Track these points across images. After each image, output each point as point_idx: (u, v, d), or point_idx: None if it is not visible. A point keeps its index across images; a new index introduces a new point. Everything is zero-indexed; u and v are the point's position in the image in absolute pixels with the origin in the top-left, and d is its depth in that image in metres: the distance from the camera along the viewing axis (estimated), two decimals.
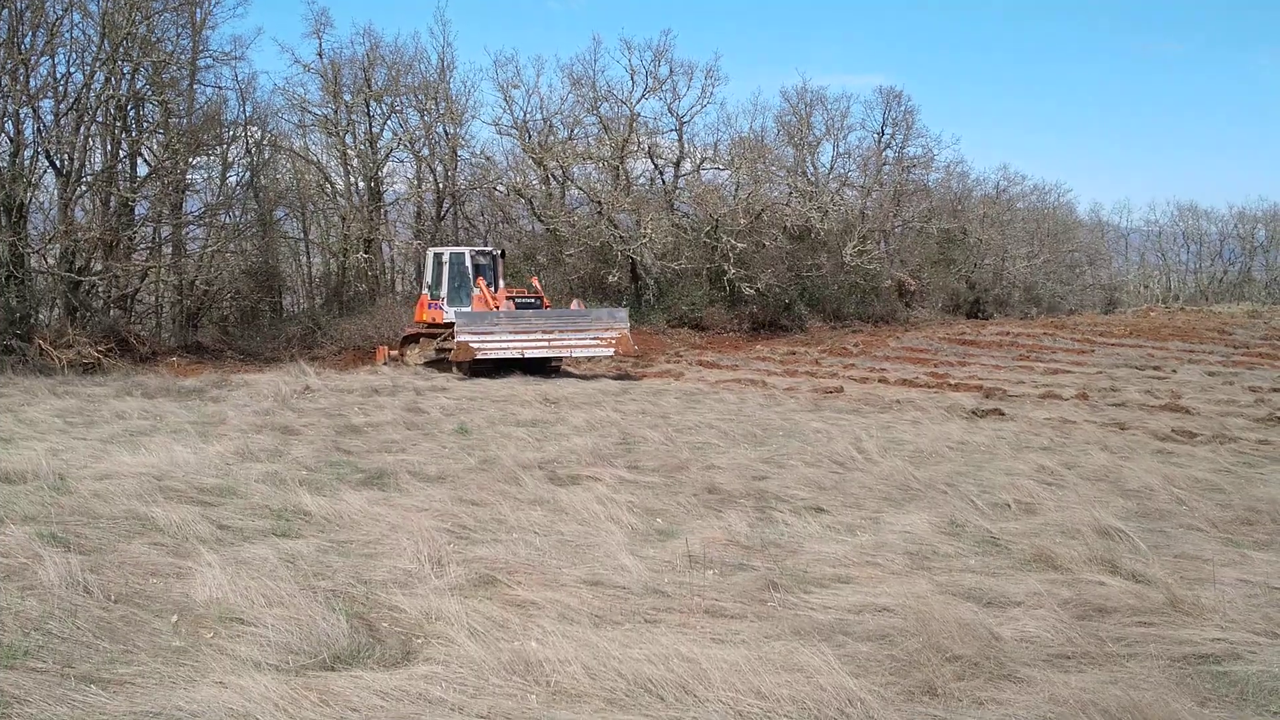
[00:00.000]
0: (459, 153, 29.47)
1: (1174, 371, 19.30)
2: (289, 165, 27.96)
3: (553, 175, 31.06)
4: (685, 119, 32.23)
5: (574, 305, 19.52)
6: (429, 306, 19.60)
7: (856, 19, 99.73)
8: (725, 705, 3.45)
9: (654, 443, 10.05)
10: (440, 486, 7.35)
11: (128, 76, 20.55)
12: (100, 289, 20.52)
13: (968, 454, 9.88)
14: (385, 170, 28.85)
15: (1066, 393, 15.96)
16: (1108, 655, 4.10)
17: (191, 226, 23.51)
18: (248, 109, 25.57)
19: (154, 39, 20.78)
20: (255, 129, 25.64)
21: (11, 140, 18.69)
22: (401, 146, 28.87)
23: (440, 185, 29.38)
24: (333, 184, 28.83)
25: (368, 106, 28.11)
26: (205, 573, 4.72)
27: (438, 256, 19.78)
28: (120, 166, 21.28)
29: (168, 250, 23.23)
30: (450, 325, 18.15)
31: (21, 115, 18.78)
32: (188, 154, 22.08)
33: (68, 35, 19.53)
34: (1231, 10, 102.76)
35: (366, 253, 26.83)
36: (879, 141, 38.27)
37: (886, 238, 37.92)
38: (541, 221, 30.51)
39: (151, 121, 22.13)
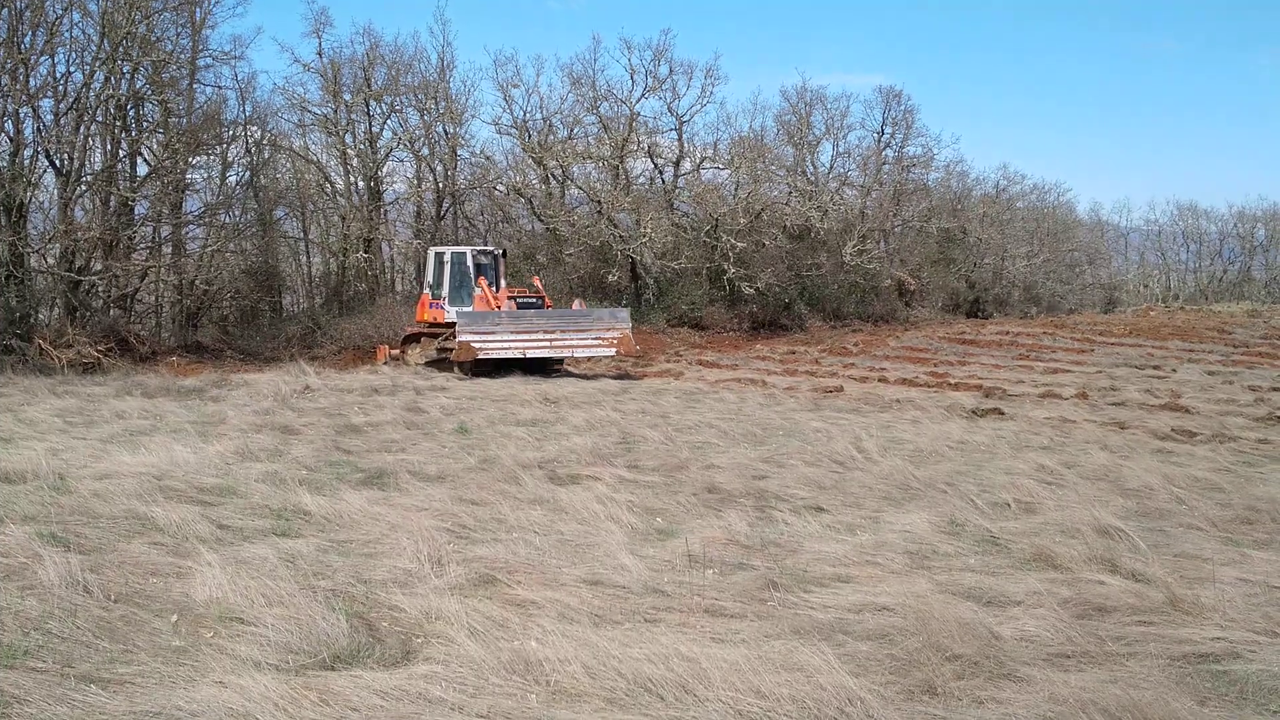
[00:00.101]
0: (459, 152, 29.50)
1: (1174, 371, 19.30)
2: (289, 165, 27.97)
3: (552, 175, 31.06)
4: (685, 118, 32.28)
5: (576, 305, 19.52)
6: (430, 306, 19.58)
7: (856, 18, 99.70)
8: (725, 704, 3.45)
9: (654, 442, 10.05)
10: (440, 486, 7.35)
11: (127, 76, 20.55)
12: (100, 289, 20.52)
13: (967, 453, 9.88)
14: (385, 170, 28.89)
15: (1066, 392, 15.96)
16: (1107, 654, 4.10)
17: (191, 226, 23.51)
18: (247, 108, 25.63)
19: (154, 38, 20.78)
20: (255, 128, 25.68)
21: (11, 140, 18.70)
22: (401, 146, 28.89)
23: (440, 185, 29.38)
24: (332, 183, 28.85)
25: (367, 106, 28.11)
26: (205, 572, 4.72)
27: (439, 256, 19.76)
28: (120, 166, 21.28)
29: (167, 250, 23.22)
30: (451, 325, 18.14)
31: (21, 115, 18.80)
32: (187, 153, 22.08)
33: (67, 35, 19.56)
34: (1231, 10, 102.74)
35: (366, 252, 26.83)
36: (879, 141, 38.30)
37: (886, 237, 37.92)
38: (541, 221, 30.50)
39: (151, 121, 22.13)
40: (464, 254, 19.53)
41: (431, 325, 19.44)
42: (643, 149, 31.94)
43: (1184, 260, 53.83)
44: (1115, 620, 4.54)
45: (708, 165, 32.80)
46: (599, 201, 29.57)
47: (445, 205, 29.71)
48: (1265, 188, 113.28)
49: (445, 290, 19.20)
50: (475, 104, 48.14)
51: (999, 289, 41.70)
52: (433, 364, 18.64)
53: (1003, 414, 13.24)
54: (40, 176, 19.65)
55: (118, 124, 20.83)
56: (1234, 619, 4.49)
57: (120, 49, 19.46)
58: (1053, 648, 4.16)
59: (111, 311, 20.73)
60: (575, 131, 31.53)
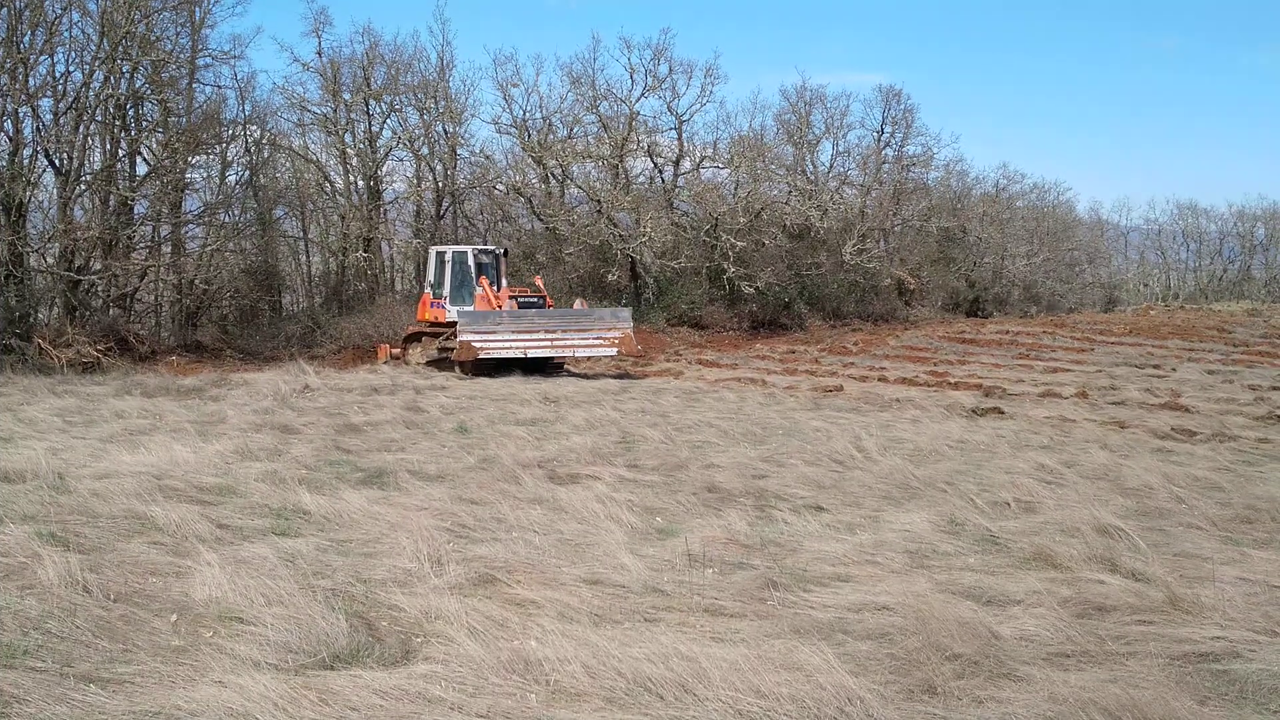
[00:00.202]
0: (458, 151, 29.48)
1: (1173, 370, 19.30)
2: (288, 164, 27.95)
3: (552, 174, 31.05)
4: (685, 117, 32.25)
5: (577, 305, 19.50)
6: (431, 305, 19.56)
7: (856, 18, 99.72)
8: (725, 704, 3.45)
9: (654, 441, 10.04)
10: (440, 485, 7.35)
11: (127, 75, 20.53)
12: (99, 288, 20.51)
13: (967, 452, 9.88)
14: (384, 169, 28.86)
15: (1066, 391, 15.96)
16: (1107, 654, 4.10)
17: (191, 225, 23.49)
18: (247, 108, 25.59)
19: (153, 38, 20.77)
20: (254, 128, 25.64)
21: (10, 139, 18.68)
22: (401, 145, 28.87)
23: (439, 184, 29.37)
24: (332, 183, 28.82)
25: (367, 105, 28.09)
26: (204, 572, 4.72)
27: (440, 255, 19.74)
28: (119, 165, 21.26)
29: (167, 249, 23.20)
30: (453, 324, 18.13)
31: (20, 114, 18.78)
32: (187, 153, 22.07)
33: (67, 34, 19.54)
34: (1232, 8, 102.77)
35: (366, 251, 26.81)
36: (878, 140, 38.29)
37: (886, 236, 37.91)
38: (541, 220, 30.49)
39: (151, 120, 22.11)
40: (465, 253, 19.51)
41: (433, 325, 19.42)
42: (642, 148, 31.93)
43: (1184, 259, 53.89)
44: (1115, 619, 4.54)
45: (707, 164, 32.82)
46: (599, 201, 29.56)
47: (445, 204, 29.70)
48: (1265, 186, 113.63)
49: (446, 289, 19.18)
50: (475, 103, 48.22)
51: (999, 288, 41.70)
52: (433, 363, 18.63)
53: (1002, 413, 13.24)
54: (39, 176, 19.65)
55: (117, 123, 20.82)
56: (1234, 618, 4.48)
57: (120, 48, 19.45)
58: (1052, 647, 4.16)
59: (111, 311, 20.72)
60: (575, 131, 31.55)
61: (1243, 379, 17.63)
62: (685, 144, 32.62)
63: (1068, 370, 19.44)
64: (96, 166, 20.47)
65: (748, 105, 51.16)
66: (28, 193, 18.72)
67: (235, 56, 27.38)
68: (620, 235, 28.86)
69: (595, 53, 37.42)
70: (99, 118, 20.22)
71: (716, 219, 29.48)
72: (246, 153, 25.47)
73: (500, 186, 30.81)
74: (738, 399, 14.79)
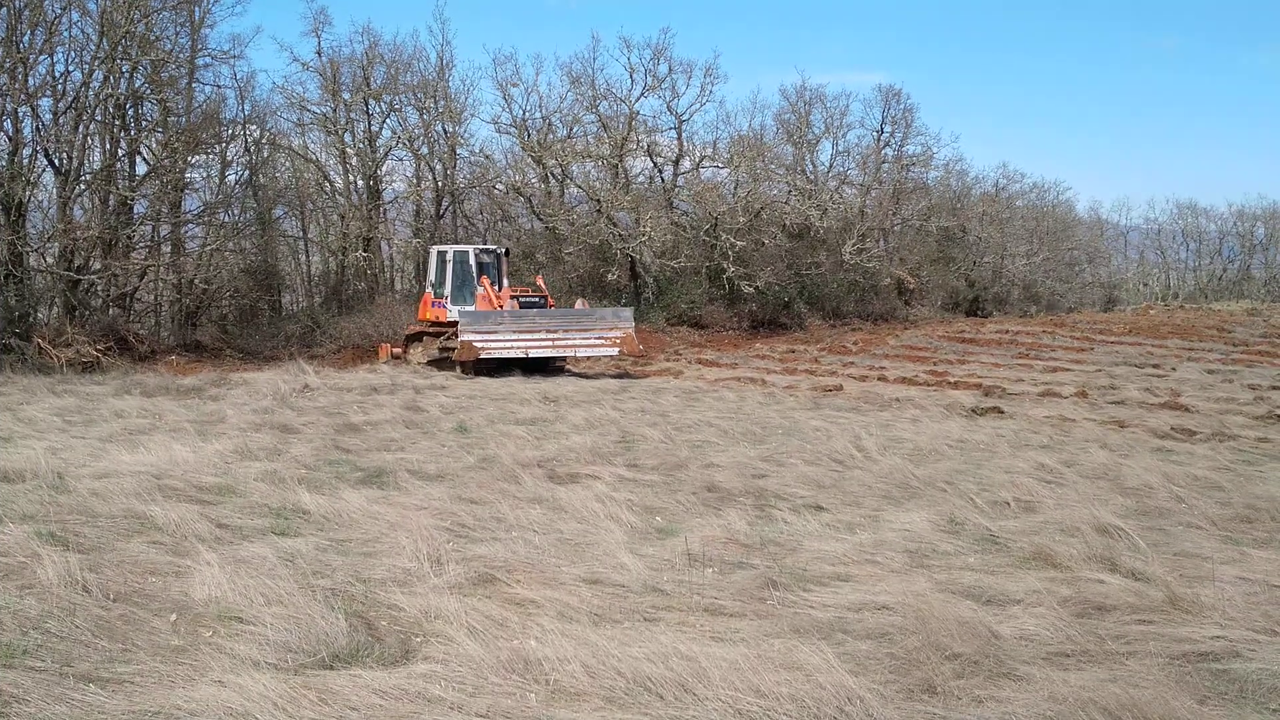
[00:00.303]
0: (458, 151, 29.48)
1: (1173, 369, 19.30)
2: (288, 164, 27.94)
3: (552, 174, 31.04)
4: (684, 117, 32.25)
5: (579, 305, 19.49)
6: (432, 305, 19.54)
7: (856, 17, 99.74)
8: (724, 703, 3.45)
9: (653, 441, 10.04)
10: (439, 485, 7.35)
11: (126, 75, 20.53)
12: (99, 288, 20.51)
13: (967, 452, 9.88)
14: (384, 169, 28.87)
15: (1066, 391, 15.96)
16: (1107, 653, 4.10)
17: (190, 225, 23.49)
18: (246, 107, 25.60)
19: (152, 37, 20.76)
20: (254, 127, 25.64)
21: (10, 139, 18.68)
22: (400, 145, 28.87)
23: (439, 184, 29.37)
24: (332, 182, 28.82)
25: (366, 105, 28.09)
26: (204, 571, 4.72)
27: (441, 255, 19.72)
28: (119, 165, 21.27)
29: (166, 249, 23.20)
30: (454, 324, 18.12)
31: (20, 114, 18.79)
32: (186, 152, 22.06)
33: (66, 34, 19.54)
34: (1232, 8, 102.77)
35: (365, 251, 26.81)
36: (878, 139, 38.27)
37: (886, 236, 37.90)
38: (540, 220, 30.49)
39: (150, 120, 22.11)
40: (466, 253, 19.50)
41: (434, 324, 19.41)
42: (642, 148, 31.91)
43: (1183, 259, 53.87)
44: (1115, 619, 4.54)
45: (707, 164, 32.81)
46: (598, 200, 29.55)
47: (444, 204, 29.70)
48: (1265, 186, 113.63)
49: (448, 289, 19.17)
50: (474, 103, 48.28)
51: (998, 287, 41.69)
52: (434, 363, 18.63)
53: (1002, 413, 13.24)
54: (39, 175, 19.65)
55: (116, 123, 20.81)
56: (1234, 617, 4.48)
57: (119, 48, 19.45)
58: (1052, 646, 4.15)
59: (110, 310, 20.72)
60: (574, 130, 31.54)
61: (1242, 378, 17.63)
62: (685, 144, 32.66)
63: (1067, 370, 19.44)
64: (96, 166, 20.47)
65: (747, 105, 51.30)
66: (27, 192, 18.72)
67: (235, 56, 27.46)
68: (620, 235, 28.86)
69: (595, 52, 37.54)
70: (98, 117, 20.22)
71: (716, 218, 29.48)
72: (246, 152, 25.48)
73: (500, 186, 30.81)
74: (737, 398, 14.78)
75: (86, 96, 19.68)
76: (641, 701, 3.50)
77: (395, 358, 19.94)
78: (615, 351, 18.33)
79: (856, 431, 10.74)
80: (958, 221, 39.30)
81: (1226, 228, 52.28)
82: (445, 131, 29.06)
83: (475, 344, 17.26)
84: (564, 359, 19.22)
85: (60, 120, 19.28)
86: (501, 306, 18.17)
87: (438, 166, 29.40)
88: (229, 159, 25.00)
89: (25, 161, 18.88)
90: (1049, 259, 43.72)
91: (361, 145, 28.08)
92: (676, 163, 32.65)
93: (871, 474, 8.32)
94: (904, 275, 36.48)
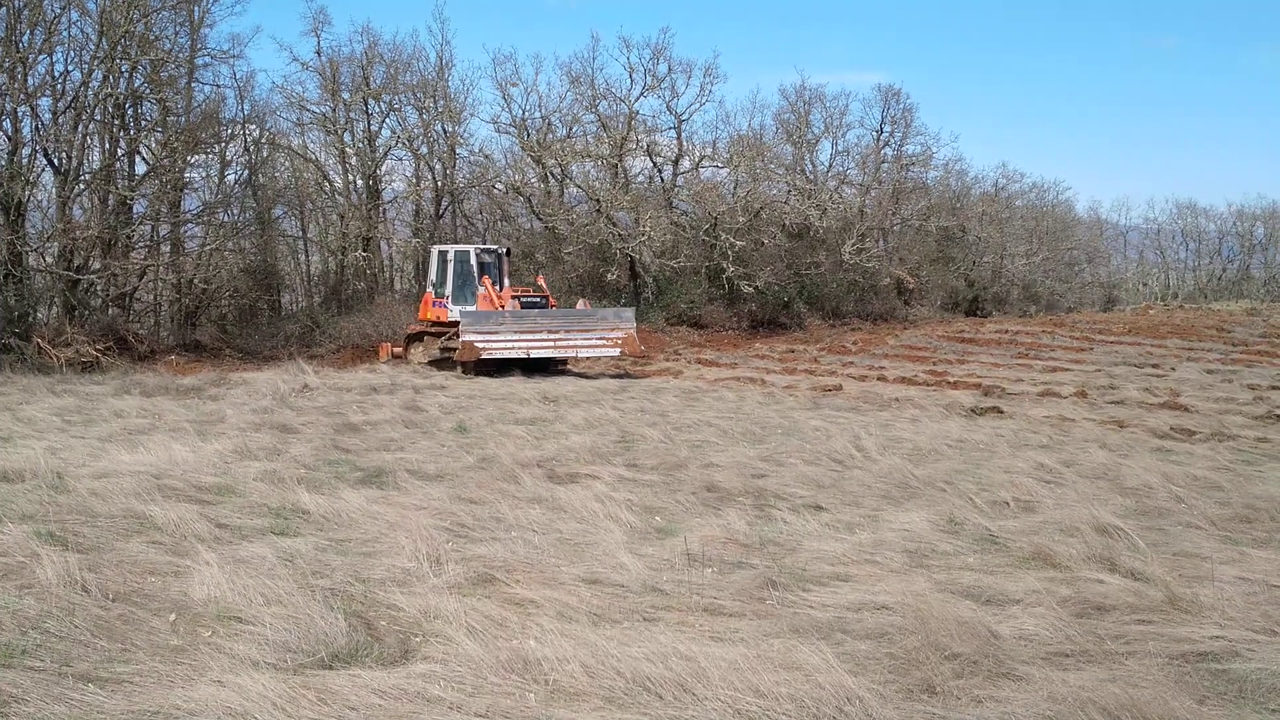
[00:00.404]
0: (457, 151, 29.47)
1: (1173, 369, 19.31)
2: (287, 163, 27.94)
3: (551, 173, 31.03)
4: (684, 117, 32.25)
5: (580, 305, 19.48)
6: (433, 305, 19.53)
7: (855, 17, 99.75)
8: (724, 703, 3.44)
9: (653, 441, 10.04)
10: (439, 485, 7.35)
11: (126, 75, 20.53)
12: (98, 287, 20.50)
13: (966, 452, 9.88)
14: (384, 168, 28.87)
15: (1065, 390, 15.96)
16: (1106, 653, 4.10)
17: (190, 225, 23.48)
18: (246, 107, 25.61)
19: (152, 37, 20.76)
20: (253, 127, 25.65)
21: (9, 138, 18.69)
22: (400, 144, 28.87)
23: (439, 183, 29.37)
24: (331, 182, 28.81)
25: (366, 104, 28.08)
26: (203, 571, 4.72)
27: (442, 254, 19.71)
28: (118, 165, 21.26)
29: (166, 249, 23.19)
30: (455, 324, 18.11)
31: (19, 113, 18.80)
32: (186, 152, 22.05)
33: (66, 33, 19.54)
34: (1232, 8, 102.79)
35: (365, 251, 26.81)
36: (877, 139, 38.28)
37: (885, 235, 37.91)
38: (540, 220, 30.48)
39: (150, 120, 22.10)
40: (468, 253, 19.48)
41: (435, 324, 19.40)
42: (641, 147, 31.91)
43: (1183, 258, 53.87)
44: (1114, 619, 4.54)
45: (707, 164, 32.81)
46: (598, 200, 29.55)
47: (444, 204, 29.70)
48: (1264, 186, 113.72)
49: (448, 289, 19.16)
50: (474, 102, 48.23)
51: (998, 287, 41.70)
52: (435, 363, 18.62)
53: (1002, 412, 13.24)
54: (38, 175, 19.65)
55: (116, 123, 20.81)
56: (1233, 617, 4.48)
57: (119, 48, 19.44)
58: (1052, 646, 4.15)
59: (110, 310, 20.72)
60: (574, 130, 31.54)
61: (1242, 378, 17.63)
62: (684, 143, 32.67)
63: (1067, 370, 19.44)
64: (95, 166, 20.47)
65: (747, 105, 51.28)
66: (26, 192, 18.72)
67: (234, 56, 27.39)
68: (619, 234, 28.85)
69: (594, 52, 37.58)
70: (98, 117, 20.21)
71: (716, 218, 29.48)
72: (245, 152, 25.48)
73: (499, 186, 30.81)
74: (737, 398, 14.78)
75: (86, 96, 19.67)
76: (641, 701, 3.50)
77: (395, 357, 19.93)
78: (617, 352, 18.32)
79: (856, 431, 10.74)
80: (957, 221, 39.31)
81: (1226, 227, 52.33)
82: (445, 131, 29.07)
83: (477, 344, 17.25)
84: (565, 359, 19.20)
85: (59, 120, 19.27)
86: (503, 307, 18.15)
87: (437, 166, 29.41)
88: (228, 159, 25.02)
89: (25, 161, 18.88)
90: (1048, 259, 43.73)
91: (361, 145, 28.07)
92: (676, 162, 32.65)
93: (871, 474, 8.32)
94: (903, 275, 36.48)
